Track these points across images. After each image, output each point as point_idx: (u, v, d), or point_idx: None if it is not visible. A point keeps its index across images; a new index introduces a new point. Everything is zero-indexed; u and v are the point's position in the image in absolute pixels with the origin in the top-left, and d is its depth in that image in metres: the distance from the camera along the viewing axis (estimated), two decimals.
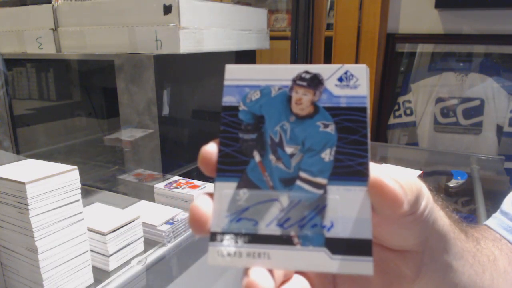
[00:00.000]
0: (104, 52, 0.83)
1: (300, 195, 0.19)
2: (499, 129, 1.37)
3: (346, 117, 0.19)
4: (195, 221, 0.19)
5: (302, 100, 0.20)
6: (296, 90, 0.20)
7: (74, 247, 0.53)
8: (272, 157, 0.19)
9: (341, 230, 0.18)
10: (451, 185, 0.98)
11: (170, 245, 0.67)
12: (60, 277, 0.52)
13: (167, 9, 0.74)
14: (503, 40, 1.34)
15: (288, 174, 0.19)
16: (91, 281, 0.56)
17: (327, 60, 1.49)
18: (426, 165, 1.29)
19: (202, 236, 0.19)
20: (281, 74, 0.20)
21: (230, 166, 0.19)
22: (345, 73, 0.20)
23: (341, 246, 0.18)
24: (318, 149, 0.19)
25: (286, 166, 0.19)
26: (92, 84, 1.05)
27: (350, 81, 0.20)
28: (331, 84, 0.20)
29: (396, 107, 1.53)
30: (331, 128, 0.19)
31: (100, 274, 0.58)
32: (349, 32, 1.47)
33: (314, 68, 0.20)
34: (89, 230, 0.57)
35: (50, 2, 0.85)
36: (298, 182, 0.19)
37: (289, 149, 0.19)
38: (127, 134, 0.92)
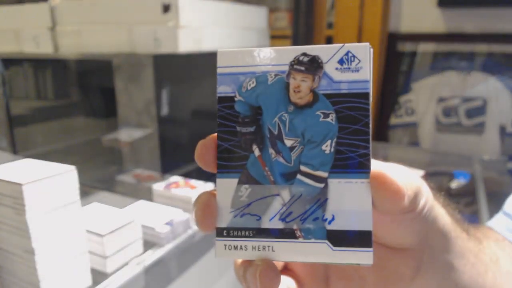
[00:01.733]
0: (102, 51, 0.83)
1: (301, 189, 0.19)
2: (502, 129, 1.36)
3: (347, 105, 0.18)
4: (202, 219, 0.19)
5: (301, 88, 0.19)
6: (293, 75, 0.19)
7: (71, 248, 0.52)
8: (271, 151, 0.19)
9: (342, 222, 0.18)
10: (453, 186, 0.98)
11: (168, 246, 0.66)
12: (58, 279, 0.51)
13: (166, 8, 0.74)
14: (506, 39, 1.34)
15: (289, 168, 0.19)
16: (89, 283, 0.55)
17: None
18: (428, 165, 1.28)
19: (209, 232, 0.20)
20: (277, 57, 0.19)
21: (230, 162, 0.19)
22: (346, 54, 0.18)
23: (342, 239, 0.18)
24: (319, 141, 0.19)
25: (286, 160, 0.19)
26: (90, 83, 1.04)
27: (352, 64, 0.18)
28: (331, 68, 0.18)
29: (397, 106, 1.52)
30: (332, 118, 0.18)
31: (98, 276, 0.57)
32: (350, 31, 1.46)
33: (312, 49, 0.19)
34: (87, 231, 0.57)
35: (47, 0, 0.84)
36: (299, 176, 0.19)
37: (288, 142, 0.19)
38: (126, 134, 0.92)
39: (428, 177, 1.03)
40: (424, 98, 1.47)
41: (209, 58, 0.96)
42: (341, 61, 0.19)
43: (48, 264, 0.50)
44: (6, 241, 0.51)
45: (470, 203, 0.93)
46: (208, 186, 0.77)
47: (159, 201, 0.76)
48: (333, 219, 0.18)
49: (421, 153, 1.42)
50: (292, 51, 0.19)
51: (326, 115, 0.19)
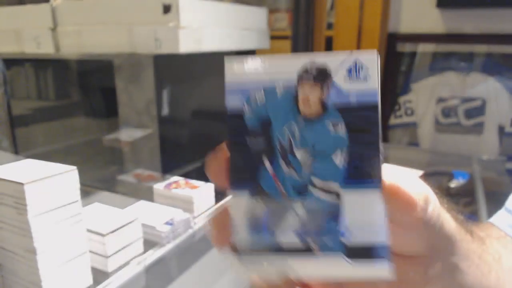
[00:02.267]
0: (103, 51, 0.83)
1: (314, 203, 0.19)
2: (501, 129, 1.36)
3: (357, 115, 0.18)
4: (217, 235, 0.19)
5: (310, 99, 0.18)
6: (302, 86, 0.18)
7: (73, 248, 0.52)
8: (283, 163, 0.19)
9: (358, 235, 0.18)
10: (452, 186, 0.98)
11: (169, 245, 0.67)
12: (59, 278, 0.51)
13: (167, 9, 0.74)
14: (505, 40, 1.34)
15: (301, 181, 0.19)
16: (90, 282, 0.55)
17: None
18: (427, 165, 1.29)
19: (225, 250, 0.19)
20: (285, 67, 0.19)
21: (242, 177, 0.19)
22: (354, 62, 0.18)
23: (359, 252, 0.18)
24: (329, 153, 0.18)
25: (297, 173, 0.19)
26: (91, 84, 1.04)
27: (360, 73, 0.18)
28: (339, 78, 0.18)
29: (397, 107, 1.52)
30: (342, 129, 0.18)
31: (99, 275, 0.58)
32: (349, 31, 1.46)
33: (320, 58, 0.18)
34: (88, 231, 0.57)
35: (48, 1, 0.85)
36: (311, 189, 0.19)
37: (299, 155, 0.19)
38: (126, 134, 0.92)
39: (427, 177, 1.04)
40: (423, 98, 1.47)
41: (209, 58, 0.97)
42: (349, 70, 0.18)
43: (49, 264, 0.50)
44: (8, 240, 0.51)
45: (469, 203, 0.94)
46: (208, 186, 0.78)
47: (160, 201, 0.76)
48: (348, 232, 0.18)
49: (421, 153, 1.42)
50: (300, 61, 0.19)
51: (336, 126, 0.18)
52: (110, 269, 0.59)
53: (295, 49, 1.39)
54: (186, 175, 0.84)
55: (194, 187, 0.77)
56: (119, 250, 0.60)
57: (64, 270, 0.52)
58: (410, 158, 1.36)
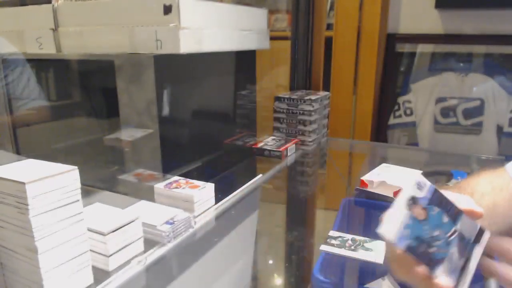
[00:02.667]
0: (104, 52, 0.84)
1: (455, 243, 0.40)
2: (499, 129, 1.37)
3: (434, 202, 0.39)
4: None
5: (419, 212, 0.39)
6: (413, 209, 0.39)
7: (74, 247, 0.53)
8: (436, 242, 0.39)
9: (472, 233, 0.41)
10: (451, 185, 0.98)
11: (170, 245, 0.67)
12: (60, 277, 0.52)
13: (167, 9, 0.74)
14: (503, 40, 1.34)
15: (445, 242, 0.39)
16: (91, 281, 0.56)
17: (327, 60, 1.49)
18: (426, 165, 1.29)
19: None
20: (400, 201, 0.39)
21: (433, 266, 0.39)
22: (418, 182, 0.39)
23: (477, 239, 0.41)
24: (442, 219, 0.39)
25: (440, 240, 0.39)
26: (92, 84, 1.05)
27: (420, 185, 0.39)
28: (417, 192, 0.39)
29: (396, 107, 1.53)
30: (437, 211, 0.39)
31: (100, 274, 0.58)
32: (349, 32, 1.47)
33: (408, 190, 0.39)
34: (89, 230, 0.57)
35: (50, 2, 0.85)
36: (449, 241, 0.39)
37: (434, 233, 0.39)
38: (127, 134, 0.92)
39: (426, 176, 1.04)
40: (422, 98, 1.48)
41: (209, 59, 0.97)
42: (417, 187, 0.39)
43: (50, 263, 0.50)
44: (9, 239, 0.51)
45: None
46: (209, 186, 0.78)
47: (161, 201, 0.77)
48: (470, 236, 0.40)
49: (420, 153, 1.43)
50: (402, 198, 0.39)
51: (435, 211, 0.39)
52: (111, 268, 0.59)
53: (295, 49, 1.39)
54: (187, 175, 0.84)
55: (195, 186, 0.77)
56: (120, 249, 0.60)
57: (65, 269, 0.52)
58: (409, 158, 1.37)
